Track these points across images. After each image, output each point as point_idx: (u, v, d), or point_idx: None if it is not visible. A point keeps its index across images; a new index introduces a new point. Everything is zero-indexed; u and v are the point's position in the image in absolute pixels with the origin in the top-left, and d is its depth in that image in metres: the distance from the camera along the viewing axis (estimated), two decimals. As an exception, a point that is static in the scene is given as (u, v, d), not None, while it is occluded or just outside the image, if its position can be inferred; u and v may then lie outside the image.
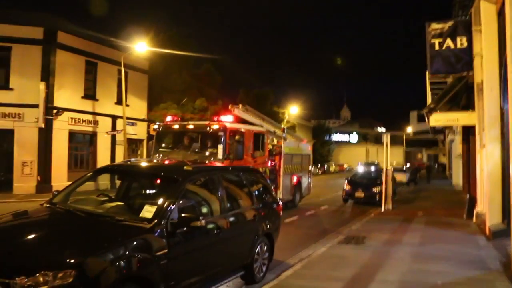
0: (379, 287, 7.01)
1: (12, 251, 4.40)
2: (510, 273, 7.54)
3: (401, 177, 36.90)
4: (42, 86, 22.27)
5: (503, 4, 8.53)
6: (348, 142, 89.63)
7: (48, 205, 6.00)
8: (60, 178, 22.75)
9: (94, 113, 26.08)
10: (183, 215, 5.42)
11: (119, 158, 26.21)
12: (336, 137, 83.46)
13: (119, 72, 25.69)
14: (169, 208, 5.37)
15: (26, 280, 3.93)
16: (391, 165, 21.80)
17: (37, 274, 3.97)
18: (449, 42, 13.46)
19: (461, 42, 13.33)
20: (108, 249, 4.50)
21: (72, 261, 4.15)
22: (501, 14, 9.77)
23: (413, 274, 7.80)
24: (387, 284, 7.14)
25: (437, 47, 13.58)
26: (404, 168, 42.79)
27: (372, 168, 36.86)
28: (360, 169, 40.21)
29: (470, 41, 13.20)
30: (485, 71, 11.27)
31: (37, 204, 6.28)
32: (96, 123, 26.20)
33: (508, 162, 9.21)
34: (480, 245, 10.33)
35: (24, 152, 22.46)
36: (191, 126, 14.47)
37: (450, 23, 13.70)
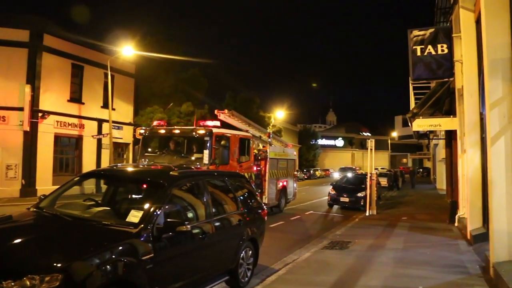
0: (362, 291, 7.14)
1: (-1, 256, 4.43)
2: (489, 277, 7.71)
3: (386, 182, 37.37)
4: (27, 88, 22.13)
5: (480, 12, 8.76)
6: (334, 147, 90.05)
7: (34, 209, 6.03)
8: (45, 182, 22.63)
9: (80, 117, 25.96)
10: (169, 220, 5.49)
11: (105, 162, 26.11)
12: (322, 141, 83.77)
13: (106, 75, 25.63)
14: (155, 213, 5.43)
15: (13, 284, 3.96)
16: (376, 170, 22.10)
17: (24, 278, 4.00)
18: (430, 48, 13.69)
19: (442, 48, 13.56)
20: (94, 253, 4.54)
21: (59, 265, 4.18)
22: (478, 22, 10.00)
23: (395, 279, 7.94)
24: (369, 288, 7.27)
25: (419, 53, 13.80)
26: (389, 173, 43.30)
27: (349, 174, 37.33)
28: (336, 175, 40.71)
29: (450, 48, 13.44)
30: (465, 77, 11.49)
31: (21, 208, 6.30)
32: (82, 126, 26.08)
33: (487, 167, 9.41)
34: (461, 250, 10.52)
35: (8, 155, 22.24)
36: (177, 131, 14.53)
37: (431, 30, 13.93)
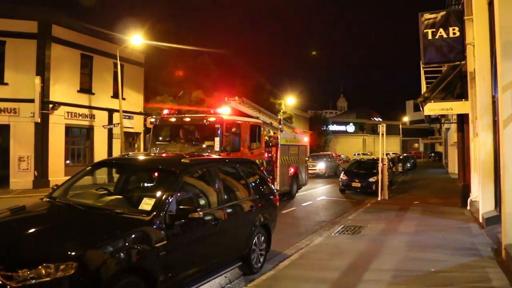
0: (374, 275, 7.14)
1: (15, 245, 4.51)
2: (501, 259, 7.70)
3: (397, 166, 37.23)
4: (37, 80, 22.23)
5: (493, -6, 8.62)
6: (345, 132, 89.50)
7: (48, 199, 6.10)
8: (57, 173, 22.81)
9: (90, 107, 26.02)
10: (181, 207, 5.52)
11: (116, 152, 26.24)
12: (333, 127, 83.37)
13: (115, 65, 25.62)
14: (167, 200, 5.46)
15: (28, 272, 4.02)
16: (388, 155, 22.05)
17: (39, 267, 4.06)
18: (441, 31, 13.54)
19: (454, 31, 13.42)
20: (108, 241, 4.60)
21: (73, 253, 4.25)
22: (491, 4, 9.84)
23: (408, 262, 7.95)
24: (382, 273, 7.28)
25: (430, 37, 13.67)
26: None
27: (323, 163, 34.63)
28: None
29: (462, 31, 13.30)
30: (477, 60, 11.35)
31: (35, 199, 6.37)
32: (92, 117, 26.18)
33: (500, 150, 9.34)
34: (473, 233, 10.49)
35: (21, 147, 22.43)
36: (187, 119, 14.55)
37: (442, 13, 13.77)
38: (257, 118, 16.90)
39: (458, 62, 13.91)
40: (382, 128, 18.92)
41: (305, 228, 12.18)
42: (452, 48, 13.49)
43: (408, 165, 42.50)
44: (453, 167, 33.33)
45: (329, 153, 42.27)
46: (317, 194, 21.56)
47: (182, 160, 6.56)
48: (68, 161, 24.65)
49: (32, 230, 4.91)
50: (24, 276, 4.00)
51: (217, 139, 13.33)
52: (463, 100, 14.66)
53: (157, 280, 4.99)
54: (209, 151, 13.10)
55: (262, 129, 16.53)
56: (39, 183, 22.11)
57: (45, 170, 22.87)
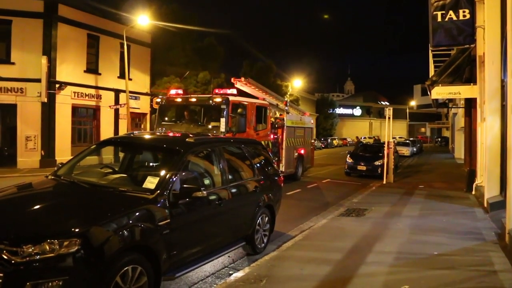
0: (377, 257, 7.15)
1: (19, 221, 4.52)
2: (504, 243, 7.69)
3: (404, 151, 37.30)
4: (44, 60, 22.24)
5: (505, -25, 8.45)
6: (352, 116, 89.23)
7: (52, 177, 6.12)
8: (64, 153, 22.91)
9: (97, 87, 26.02)
10: (185, 186, 5.50)
11: (123, 132, 26.22)
12: (340, 110, 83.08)
13: (122, 45, 25.54)
14: (171, 179, 5.46)
15: (33, 248, 4.04)
16: (394, 139, 22.00)
17: (43, 243, 4.08)
18: (451, 14, 13.29)
19: (464, 14, 13.16)
20: (111, 219, 4.60)
21: (77, 230, 4.25)
22: (503, -15, 9.67)
23: (411, 245, 7.96)
24: (384, 255, 7.29)
25: (439, 19, 13.42)
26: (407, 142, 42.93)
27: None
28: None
29: (472, 13, 13.06)
30: (487, 43, 11.21)
31: (41, 177, 6.40)
32: (99, 97, 26.19)
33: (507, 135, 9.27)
34: (478, 217, 10.49)
35: (28, 126, 22.53)
36: (193, 99, 14.54)
37: (453, -5, 13.53)
38: (263, 99, 16.85)
39: (468, 46, 13.70)
40: (388, 112, 18.85)
41: (310, 210, 12.21)
42: (461, 31, 13.25)
43: (415, 149, 42.31)
44: (459, 152, 33.23)
45: None
46: (323, 176, 21.54)
47: (186, 139, 6.53)
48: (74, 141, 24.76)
49: (37, 207, 4.95)
50: (28, 252, 4.02)
51: (222, 120, 13.33)
52: (471, 84, 14.54)
53: (160, 258, 5.01)
54: (215, 131, 13.10)
55: (268, 110, 16.49)
56: (46, 163, 22.22)
57: (52, 150, 23.02)
